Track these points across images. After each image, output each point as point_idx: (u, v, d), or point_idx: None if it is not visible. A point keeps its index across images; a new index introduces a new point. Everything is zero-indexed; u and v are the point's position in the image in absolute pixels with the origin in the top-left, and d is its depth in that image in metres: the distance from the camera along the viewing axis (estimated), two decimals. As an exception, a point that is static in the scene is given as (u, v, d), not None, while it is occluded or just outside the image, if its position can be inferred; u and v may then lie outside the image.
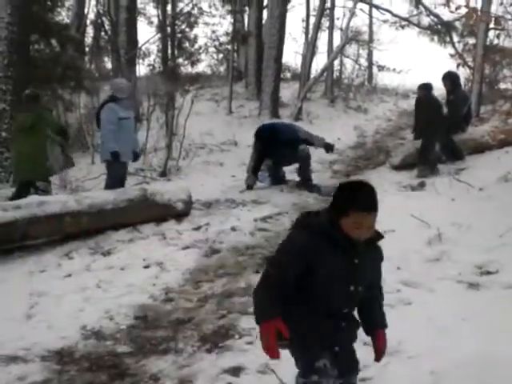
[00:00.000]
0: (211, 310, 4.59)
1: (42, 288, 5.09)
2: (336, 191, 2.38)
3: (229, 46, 17.11)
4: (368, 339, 2.58)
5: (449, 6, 6.75)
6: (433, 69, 29.90)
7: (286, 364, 2.60)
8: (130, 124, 7.56)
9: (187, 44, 13.24)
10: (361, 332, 2.55)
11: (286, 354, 2.42)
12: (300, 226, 2.41)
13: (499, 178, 7.20)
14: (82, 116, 11.79)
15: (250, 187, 8.79)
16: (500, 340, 3.44)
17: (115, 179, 7.48)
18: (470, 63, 15.00)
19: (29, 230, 5.99)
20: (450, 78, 9.24)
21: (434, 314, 3.89)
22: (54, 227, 6.21)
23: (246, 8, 19.35)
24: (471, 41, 17.25)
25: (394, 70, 22.12)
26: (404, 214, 6.10)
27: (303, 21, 21.26)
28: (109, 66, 16.15)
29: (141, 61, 14.78)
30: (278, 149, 8.59)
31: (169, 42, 15.44)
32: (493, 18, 8.81)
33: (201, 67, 20.84)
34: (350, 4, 19.56)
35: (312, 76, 17.18)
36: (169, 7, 19.13)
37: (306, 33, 20.20)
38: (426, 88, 9.17)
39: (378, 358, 2.54)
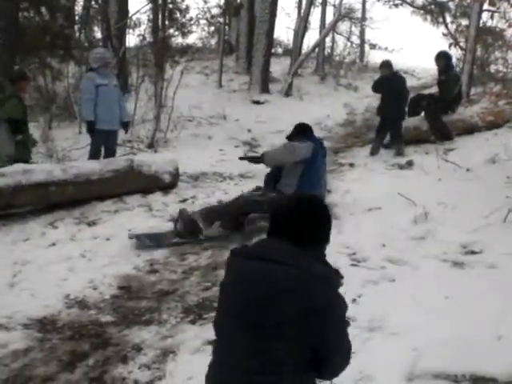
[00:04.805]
0: (196, 281, 4.59)
1: (25, 257, 5.07)
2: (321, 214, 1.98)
3: (220, 19, 16.86)
4: (349, 313, 2.56)
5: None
6: (425, 49, 29.75)
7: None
8: (110, 91, 7.39)
9: (178, 15, 13.05)
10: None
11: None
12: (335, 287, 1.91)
13: (487, 159, 7.24)
14: (69, 85, 11.63)
15: None
16: (482, 319, 3.47)
17: (98, 146, 7.47)
18: (462, 44, 14.97)
19: (13, 198, 5.93)
20: (444, 58, 9.19)
21: (418, 292, 3.91)
22: (38, 196, 6.14)
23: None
24: (464, 22, 17.18)
25: (386, 48, 22.07)
26: (391, 193, 6.12)
27: (296, -5, 21.10)
28: (99, 35, 15.92)
29: (131, 31, 14.53)
30: None
31: (159, 13, 15.23)
32: (487, -1, 8.72)
33: (192, 39, 20.56)
34: (344, -20, 19.39)
35: (303, 52, 17.05)
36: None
37: (299, 8, 20.07)
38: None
39: None
